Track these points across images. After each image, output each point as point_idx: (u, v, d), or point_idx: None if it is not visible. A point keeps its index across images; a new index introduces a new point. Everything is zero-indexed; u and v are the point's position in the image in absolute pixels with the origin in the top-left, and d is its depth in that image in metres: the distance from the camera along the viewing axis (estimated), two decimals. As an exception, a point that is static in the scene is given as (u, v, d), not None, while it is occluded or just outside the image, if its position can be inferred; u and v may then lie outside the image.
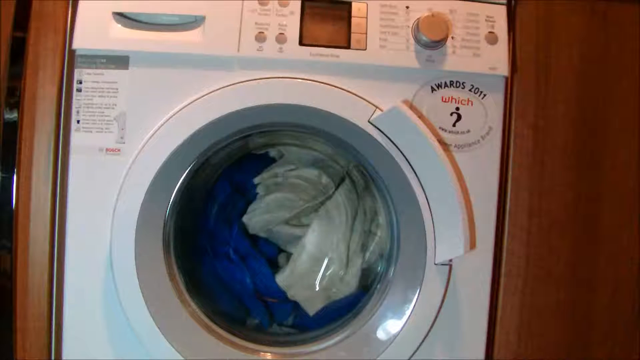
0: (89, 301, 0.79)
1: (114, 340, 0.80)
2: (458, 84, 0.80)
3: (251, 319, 0.97)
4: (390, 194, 0.82)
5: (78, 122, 0.78)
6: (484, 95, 0.81)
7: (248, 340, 0.85)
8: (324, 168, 0.99)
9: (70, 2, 0.80)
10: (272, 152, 1.02)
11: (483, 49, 0.79)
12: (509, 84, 0.82)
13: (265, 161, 1.01)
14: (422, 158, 0.76)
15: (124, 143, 0.78)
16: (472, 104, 0.80)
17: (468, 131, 0.80)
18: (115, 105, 0.78)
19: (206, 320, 0.84)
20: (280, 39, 0.77)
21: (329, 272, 0.95)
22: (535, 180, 0.84)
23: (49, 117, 0.80)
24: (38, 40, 0.80)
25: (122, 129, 0.78)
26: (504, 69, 0.80)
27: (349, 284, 0.95)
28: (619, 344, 0.86)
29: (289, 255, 0.98)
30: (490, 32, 0.79)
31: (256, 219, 0.98)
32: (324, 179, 0.98)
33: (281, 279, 0.95)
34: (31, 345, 0.81)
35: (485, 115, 0.81)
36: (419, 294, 0.78)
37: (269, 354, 0.83)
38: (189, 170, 0.81)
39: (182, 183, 0.81)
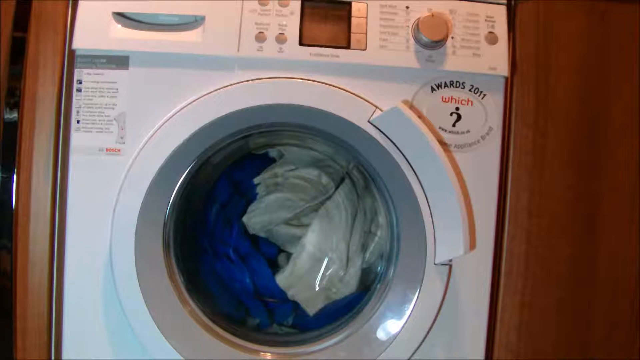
0: (89, 301, 0.79)
1: (114, 340, 0.80)
2: (458, 84, 0.80)
3: (251, 319, 0.97)
4: (390, 194, 0.82)
5: (78, 122, 0.78)
6: (484, 95, 0.81)
7: (248, 340, 0.85)
8: (324, 168, 0.99)
9: (70, 2, 0.80)
10: (272, 152, 1.02)
11: (483, 49, 0.79)
12: (509, 84, 0.82)
13: (265, 161, 1.01)
14: (422, 158, 0.76)
15: (124, 143, 0.78)
16: (472, 104, 0.80)
17: (468, 131, 0.80)
18: (115, 105, 0.78)
19: (206, 320, 0.84)
20: (280, 39, 0.77)
21: (329, 272, 0.95)
22: (535, 180, 0.84)
23: (49, 117, 0.80)
24: (38, 40, 0.80)
25: (122, 129, 0.78)
26: (503, 69, 0.80)
27: (349, 284, 0.95)
28: (619, 344, 0.86)
29: (289, 255, 0.98)
30: (490, 32, 0.80)
31: (256, 219, 0.97)
32: (324, 179, 0.98)
33: (281, 279, 0.95)
34: (31, 345, 0.81)
35: (485, 115, 0.81)
36: (418, 294, 0.78)
37: (269, 354, 0.83)
38: (189, 170, 0.81)
39: (182, 183, 0.81)
